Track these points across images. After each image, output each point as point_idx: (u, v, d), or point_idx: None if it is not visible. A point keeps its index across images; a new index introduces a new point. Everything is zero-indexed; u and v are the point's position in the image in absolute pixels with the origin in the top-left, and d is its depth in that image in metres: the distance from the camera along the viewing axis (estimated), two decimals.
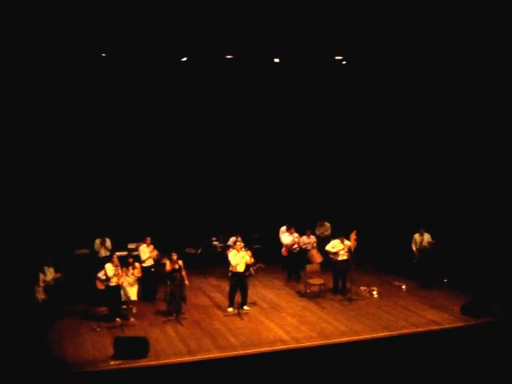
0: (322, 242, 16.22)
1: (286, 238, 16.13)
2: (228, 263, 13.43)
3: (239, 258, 13.22)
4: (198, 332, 12.00)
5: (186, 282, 12.97)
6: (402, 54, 15.87)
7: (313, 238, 16.39)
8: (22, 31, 13.19)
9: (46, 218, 15.86)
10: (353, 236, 14.24)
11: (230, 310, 13.31)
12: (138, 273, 12.77)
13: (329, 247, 14.57)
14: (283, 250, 16.25)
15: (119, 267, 12.47)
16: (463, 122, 16.02)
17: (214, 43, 14.83)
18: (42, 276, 12.71)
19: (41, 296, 12.50)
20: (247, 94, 18.24)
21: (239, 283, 13.32)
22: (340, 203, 18.43)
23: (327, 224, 17.65)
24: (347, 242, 14.28)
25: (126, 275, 12.58)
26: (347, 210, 18.02)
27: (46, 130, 16.16)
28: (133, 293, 12.74)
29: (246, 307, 13.42)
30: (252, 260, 13.60)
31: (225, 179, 18.41)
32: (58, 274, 12.96)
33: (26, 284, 12.64)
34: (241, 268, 13.26)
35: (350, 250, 14.23)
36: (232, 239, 16.09)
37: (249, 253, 13.46)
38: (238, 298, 13.29)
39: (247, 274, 13.87)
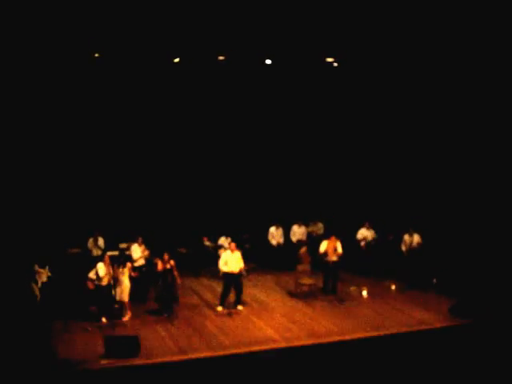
0: (315, 241, 16.37)
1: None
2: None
3: (233, 261, 13.23)
4: (189, 331, 12.07)
5: (179, 280, 13.03)
6: (394, 55, 15.97)
7: (303, 228, 17.08)
8: (18, 32, 13.23)
9: (38, 217, 15.83)
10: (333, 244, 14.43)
11: (220, 309, 13.35)
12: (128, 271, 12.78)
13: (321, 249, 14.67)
14: None
15: (110, 267, 12.49)
16: (455, 125, 16.15)
17: (207, 45, 14.89)
18: (40, 274, 12.74)
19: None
20: (238, 96, 18.26)
21: (233, 283, 13.38)
22: (332, 203, 18.51)
23: (320, 224, 17.77)
24: (338, 244, 14.40)
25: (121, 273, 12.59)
26: (338, 211, 18.10)
27: (39, 128, 16.08)
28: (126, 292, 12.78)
29: (239, 307, 13.48)
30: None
31: (216, 179, 18.41)
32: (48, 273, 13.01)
33: (19, 283, 12.61)
34: (235, 268, 13.33)
35: (336, 250, 14.38)
36: (222, 239, 16.21)
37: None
38: (229, 297, 13.34)
39: (239, 273, 13.93)
